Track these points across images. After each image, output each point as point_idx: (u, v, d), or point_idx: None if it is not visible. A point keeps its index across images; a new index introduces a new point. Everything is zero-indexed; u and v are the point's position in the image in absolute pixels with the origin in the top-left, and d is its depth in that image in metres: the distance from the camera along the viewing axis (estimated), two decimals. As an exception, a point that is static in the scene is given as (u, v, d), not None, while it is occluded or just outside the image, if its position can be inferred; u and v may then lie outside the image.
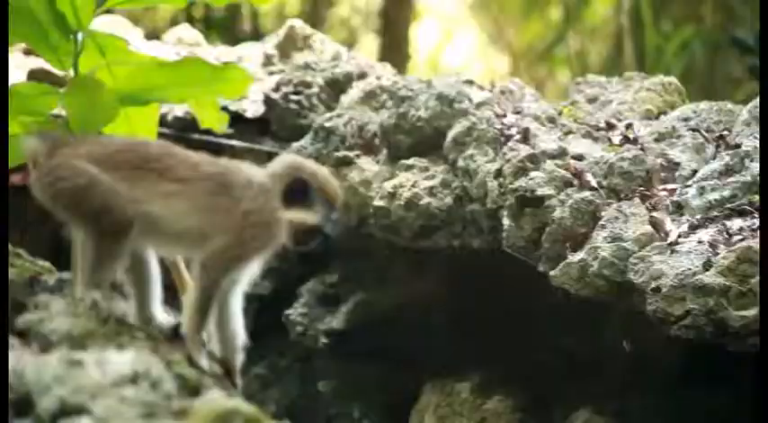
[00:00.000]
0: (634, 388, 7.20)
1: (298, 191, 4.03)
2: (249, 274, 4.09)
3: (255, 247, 3.97)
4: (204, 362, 3.95)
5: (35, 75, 7.67)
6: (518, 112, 7.83)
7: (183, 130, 8.57)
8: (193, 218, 3.95)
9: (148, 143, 4.12)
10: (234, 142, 8.37)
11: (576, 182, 6.92)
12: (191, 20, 12.31)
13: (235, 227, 3.93)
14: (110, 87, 4.15)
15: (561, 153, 7.17)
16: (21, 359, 3.40)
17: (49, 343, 3.78)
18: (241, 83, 4.35)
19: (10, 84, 4.36)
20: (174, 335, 4.12)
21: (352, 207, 7.76)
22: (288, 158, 4.20)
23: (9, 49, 4.38)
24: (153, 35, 10.28)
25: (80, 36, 4.23)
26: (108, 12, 4.40)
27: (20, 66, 8.46)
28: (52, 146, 4.06)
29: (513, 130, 7.53)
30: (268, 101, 8.88)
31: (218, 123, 4.60)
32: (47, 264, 4.77)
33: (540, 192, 6.98)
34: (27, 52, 8.46)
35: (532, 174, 7.08)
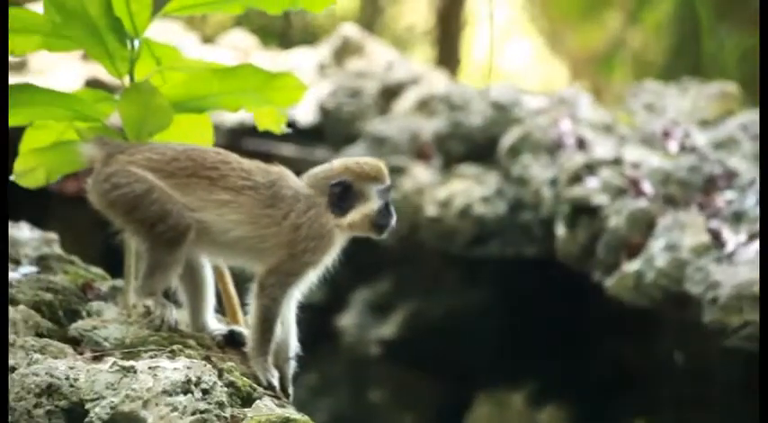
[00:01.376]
0: (690, 400, 7.12)
1: (343, 193, 4.01)
2: (306, 285, 4.08)
3: (310, 261, 3.95)
4: (275, 381, 3.94)
5: (92, 84, 7.72)
6: (574, 120, 7.77)
7: (237, 137, 8.61)
8: (245, 228, 3.94)
9: (204, 150, 4.11)
10: (286, 149, 8.38)
11: (632, 190, 6.85)
12: (245, 24, 12.36)
13: (287, 241, 3.91)
14: (164, 94, 4.14)
15: (617, 161, 7.11)
16: (73, 366, 3.40)
17: (102, 350, 3.79)
18: (296, 91, 4.31)
19: (69, 90, 4.38)
20: (227, 343, 4.11)
21: (404, 215, 7.73)
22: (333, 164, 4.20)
23: (68, 54, 4.38)
24: (208, 40, 10.32)
25: (136, 42, 4.24)
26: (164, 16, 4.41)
27: (77, 72, 8.53)
28: (108, 153, 4.06)
29: (569, 138, 7.48)
30: (321, 108, 8.88)
31: (276, 125, 4.56)
32: (100, 271, 4.78)
33: (595, 200, 6.93)
34: (85, 58, 8.51)
35: (588, 182, 7.03)
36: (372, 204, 4.01)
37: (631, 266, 6.51)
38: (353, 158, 4.12)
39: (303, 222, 3.97)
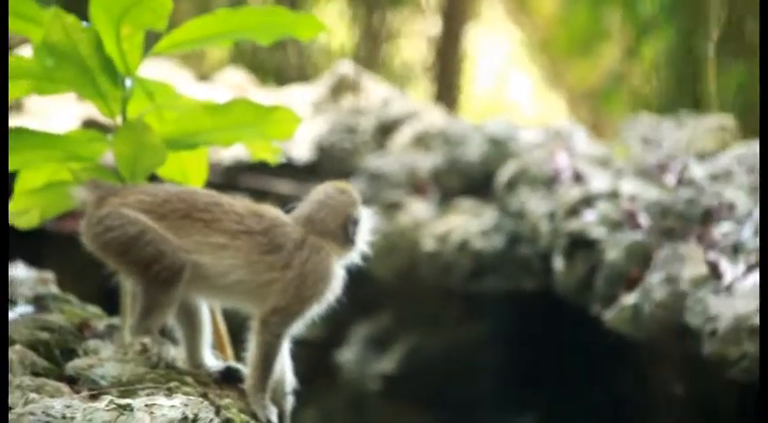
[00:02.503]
0: (691, 432, 7.10)
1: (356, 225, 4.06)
2: (306, 321, 4.09)
3: (315, 301, 3.97)
4: (274, 418, 3.94)
5: (88, 125, 7.74)
6: (570, 153, 7.79)
7: (233, 175, 8.61)
8: (242, 272, 3.95)
9: (195, 191, 4.12)
10: (282, 186, 8.39)
11: (629, 223, 6.85)
12: (241, 61, 12.41)
13: (292, 288, 3.92)
14: (158, 131, 4.15)
15: (614, 194, 7.12)
16: (70, 405, 3.39)
17: (99, 388, 3.78)
18: (290, 124, 4.32)
19: (63, 131, 4.40)
20: (224, 379, 4.10)
21: (401, 250, 7.74)
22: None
23: (63, 95, 4.40)
24: (204, 77, 10.36)
25: (128, 82, 4.25)
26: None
27: (73, 112, 8.55)
28: (100, 195, 4.07)
29: (565, 171, 7.49)
30: (317, 145, 8.90)
31: (272, 156, 4.57)
32: (96, 309, 4.78)
33: (592, 233, 6.94)
34: (80, 98, 8.53)
35: (585, 215, 7.04)
36: (368, 224, 4.10)
37: (629, 299, 6.50)
38: (334, 188, 4.17)
39: (309, 270, 4.00)
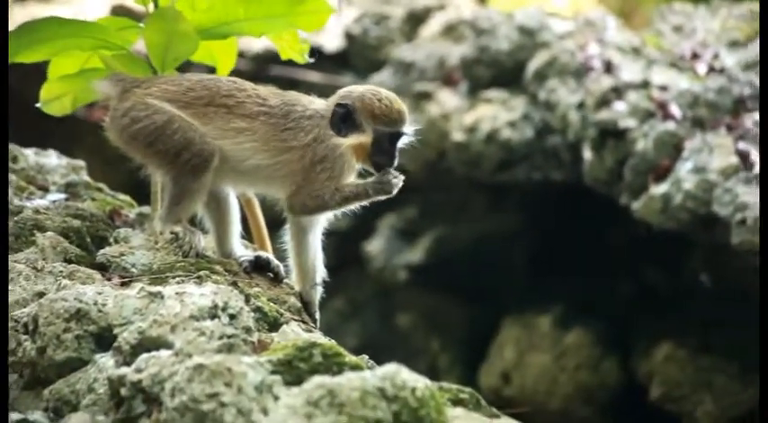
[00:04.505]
0: (716, 322, 7.12)
1: (344, 116, 3.99)
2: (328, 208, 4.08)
3: (330, 178, 3.95)
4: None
5: (117, 11, 7.70)
6: (601, 43, 7.70)
7: (262, 64, 8.58)
8: (261, 155, 3.94)
9: (219, 79, 4.09)
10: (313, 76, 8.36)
11: (659, 113, 6.81)
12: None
13: (301, 167, 3.90)
14: (189, 20, 4.11)
15: (645, 84, 7.06)
16: (101, 292, 3.42)
17: (130, 276, 3.81)
18: (322, 15, 4.27)
19: (94, 18, 4.36)
20: (254, 269, 4.12)
21: (430, 141, 7.72)
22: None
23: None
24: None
25: (161, -32, 4.21)
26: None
27: (103, 1, 8.51)
28: (124, 88, 4.05)
29: (596, 62, 7.42)
30: (347, 34, 8.83)
31: (300, 54, 4.53)
32: (127, 198, 4.80)
33: (622, 123, 6.90)
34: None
35: (615, 105, 6.99)
36: (366, 138, 3.98)
37: (659, 189, 6.49)
38: (378, 90, 4.07)
39: (311, 139, 3.97)
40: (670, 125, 6.68)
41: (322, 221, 4.14)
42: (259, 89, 4.07)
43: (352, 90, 4.07)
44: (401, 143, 4.04)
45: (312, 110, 4.03)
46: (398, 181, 3.95)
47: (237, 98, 4.01)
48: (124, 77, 4.12)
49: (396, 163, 4.00)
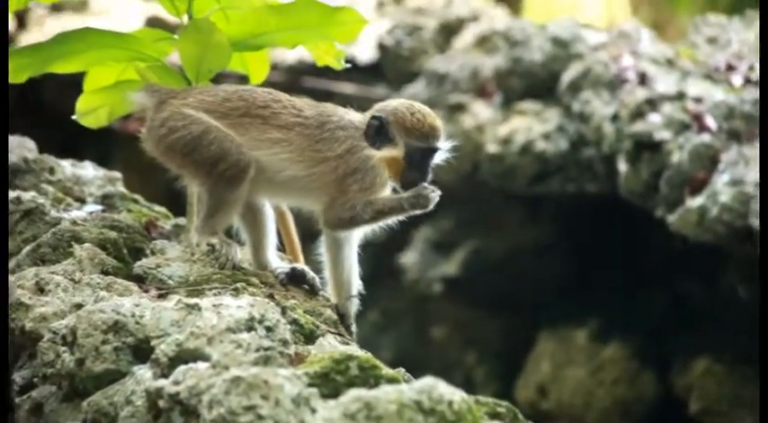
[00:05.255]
0: (754, 335, 7.06)
1: (378, 129, 3.98)
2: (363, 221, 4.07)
3: (361, 190, 3.94)
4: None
5: (152, 23, 7.74)
6: (635, 55, 7.68)
7: (296, 75, 8.60)
8: (296, 167, 3.94)
9: (255, 90, 4.10)
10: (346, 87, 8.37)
11: (695, 125, 6.78)
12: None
13: (334, 177, 3.91)
14: (223, 31, 4.12)
15: (680, 95, 7.03)
16: (139, 304, 3.43)
17: (167, 288, 3.82)
18: (355, 26, 4.27)
19: (129, 30, 4.38)
20: (290, 281, 4.12)
21: (464, 153, 7.71)
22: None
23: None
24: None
25: (195, -20, 4.23)
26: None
27: (138, 11, 8.55)
28: (160, 99, 4.06)
29: (630, 73, 7.40)
30: (380, 46, 8.84)
31: (336, 60, 4.52)
32: (163, 209, 4.81)
33: (657, 136, 6.87)
34: (145, -2, 8.54)
35: (650, 117, 6.97)
36: (398, 152, 3.97)
37: (695, 202, 6.46)
38: (412, 104, 4.06)
39: (344, 150, 3.97)
40: (705, 137, 6.65)
41: (358, 234, 4.14)
42: (294, 100, 4.07)
43: (388, 103, 4.07)
44: (434, 159, 4.02)
45: (347, 120, 4.03)
46: (435, 195, 3.93)
47: (273, 109, 4.02)
48: (160, 88, 4.14)
49: (428, 179, 3.98)
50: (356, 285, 4.20)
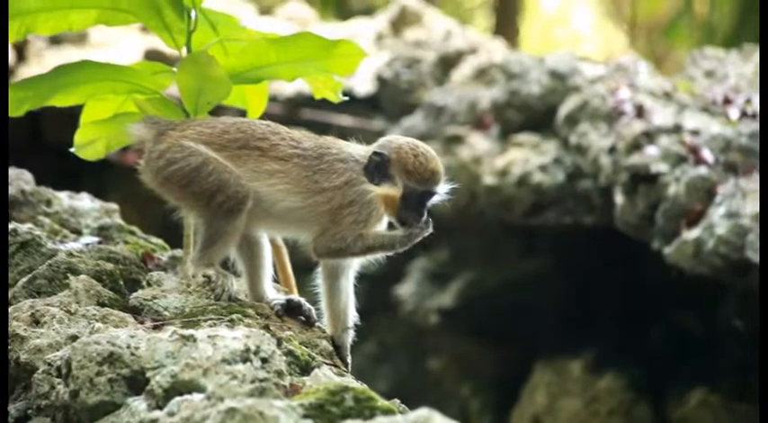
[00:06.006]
0: (751, 367, 7.06)
1: (379, 165, 3.99)
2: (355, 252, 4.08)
3: (355, 222, 3.95)
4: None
5: (151, 56, 7.76)
6: (632, 87, 7.71)
7: (294, 108, 8.63)
8: (293, 198, 3.95)
9: (253, 122, 4.11)
10: (343, 120, 8.39)
11: (691, 158, 6.79)
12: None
13: (331, 207, 3.91)
14: (222, 64, 4.14)
15: (676, 129, 7.05)
16: (134, 335, 3.43)
17: (162, 319, 3.82)
18: (354, 59, 4.27)
19: (127, 62, 4.39)
20: (285, 312, 4.12)
21: (461, 184, 7.72)
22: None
23: (127, 26, 4.38)
24: (266, 11, 10.35)
25: (193, 14, 4.24)
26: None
27: (137, 43, 8.58)
28: (159, 131, 4.07)
29: (627, 106, 7.43)
30: (379, 78, 8.87)
31: (333, 93, 4.53)
32: (159, 241, 4.81)
33: (654, 168, 6.88)
34: (144, 29, 8.56)
35: (647, 150, 6.99)
36: (396, 191, 3.97)
37: (691, 234, 6.46)
38: (417, 145, 4.05)
39: (342, 182, 3.97)
40: (702, 170, 6.66)
41: (354, 265, 4.14)
42: (293, 132, 4.08)
43: (393, 140, 4.07)
44: (431, 202, 4.03)
45: (347, 153, 4.03)
46: (426, 233, 3.95)
47: (271, 141, 4.03)
48: (158, 120, 4.15)
49: (423, 221, 3.99)
50: (352, 317, 4.20)
